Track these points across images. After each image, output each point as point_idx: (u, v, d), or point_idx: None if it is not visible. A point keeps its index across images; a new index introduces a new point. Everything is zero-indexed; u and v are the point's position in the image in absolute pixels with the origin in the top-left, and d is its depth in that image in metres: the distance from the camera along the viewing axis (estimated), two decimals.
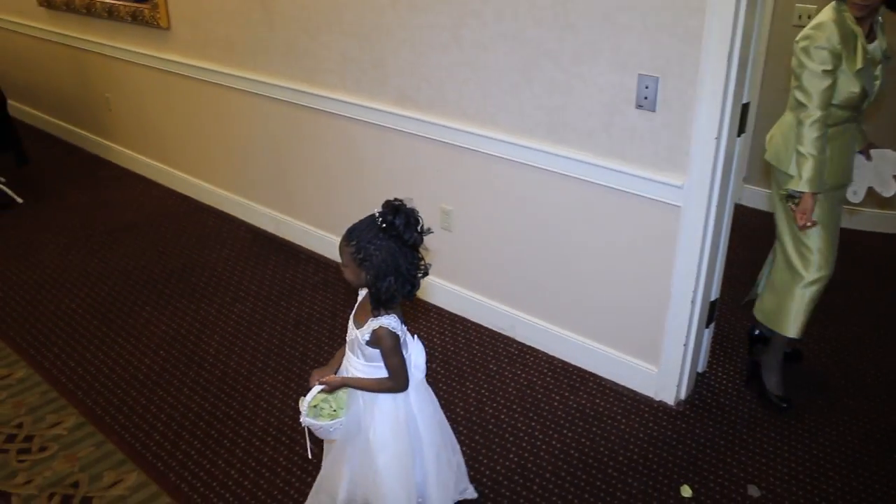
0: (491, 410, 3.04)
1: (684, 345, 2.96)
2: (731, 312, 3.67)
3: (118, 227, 4.73)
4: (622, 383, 3.18)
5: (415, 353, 2.22)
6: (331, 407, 2.23)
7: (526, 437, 2.89)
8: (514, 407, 3.05)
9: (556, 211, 3.11)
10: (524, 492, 2.64)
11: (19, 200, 5.17)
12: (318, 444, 2.50)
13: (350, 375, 2.18)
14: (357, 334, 2.13)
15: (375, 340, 2.10)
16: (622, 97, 2.78)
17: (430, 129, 3.41)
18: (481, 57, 3.12)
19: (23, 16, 6.16)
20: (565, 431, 2.92)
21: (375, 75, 3.57)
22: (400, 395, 2.19)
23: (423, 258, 2.10)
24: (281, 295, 3.89)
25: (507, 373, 3.26)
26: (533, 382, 3.20)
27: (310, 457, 2.49)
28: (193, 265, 4.22)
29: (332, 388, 2.20)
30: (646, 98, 2.72)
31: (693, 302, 2.89)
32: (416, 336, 2.25)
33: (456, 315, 3.67)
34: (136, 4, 4.79)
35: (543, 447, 2.84)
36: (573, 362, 3.31)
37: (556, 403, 3.07)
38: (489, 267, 3.47)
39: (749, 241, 4.23)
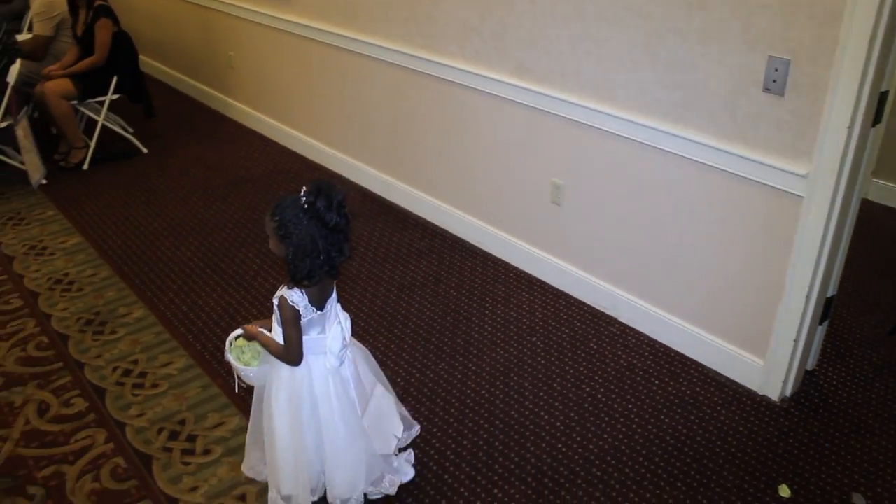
0: (588, 389, 3.01)
1: (795, 340, 2.85)
2: (846, 311, 3.52)
3: (234, 181, 4.89)
4: (725, 374, 3.09)
5: (331, 340, 2.24)
6: (249, 354, 2.32)
7: (621, 419, 2.86)
8: (612, 388, 3.02)
9: (670, 192, 3.04)
10: (616, 473, 2.61)
11: (144, 150, 5.40)
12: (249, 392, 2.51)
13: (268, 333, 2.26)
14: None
15: (278, 308, 2.17)
16: (749, 79, 2.68)
17: (547, 102, 3.38)
18: (604, 30, 3.06)
19: None
20: (662, 417, 2.87)
21: (495, 45, 3.55)
22: (298, 371, 2.23)
23: (347, 241, 2.15)
24: (386, 258, 3.94)
25: (607, 353, 3.23)
26: (633, 365, 3.16)
27: (236, 391, 2.57)
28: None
29: (248, 336, 2.29)
30: (774, 81, 2.61)
31: (808, 297, 2.78)
32: (343, 326, 2.27)
33: (559, 290, 3.64)
34: None
35: (639, 430, 2.80)
36: (675, 347, 3.24)
37: (654, 388, 3.02)
38: (596, 244, 3.43)
39: (873, 238, 4.04)
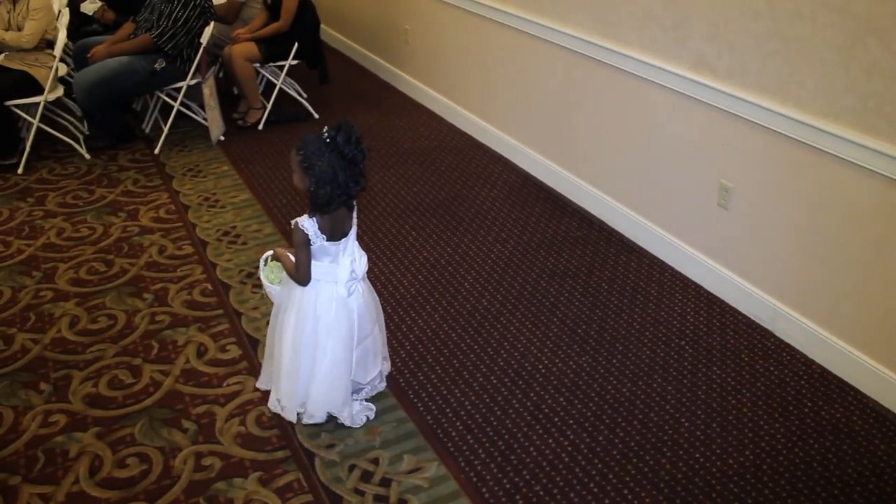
0: (734, 401, 2.89)
1: None
2: None
3: (397, 153, 4.99)
4: (888, 406, 2.89)
5: (341, 270, 2.54)
6: (275, 274, 2.68)
7: (766, 438, 2.72)
8: (760, 403, 2.89)
9: (854, 209, 2.85)
10: (753, 493, 2.50)
11: (316, 115, 5.60)
12: None
13: None
14: None
15: (293, 232, 2.48)
16: None
17: (724, 100, 3.24)
18: (796, 28, 2.89)
19: None
20: (811, 442, 2.72)
21: (675, 36, 3.43)
22: (308, 294, 2.55)
23: (362, 174, 2.44)
24: (541, 244, 3.92)
25: (758, 366, 3.09)
26: (785, 382, 3.00)
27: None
28: (461, 199, 4.36)
29: (275, 257, 2.66)
30: None
31: None
32: (356, 260, 2.57)
33: (714, 296, 3.51)
34: None
35: (784, 452, 2.67)
36: (834, 371, 3.05)
37: (806, 410, 2.86)
38: (760, 253, 3.27)
39: None
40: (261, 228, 4.13)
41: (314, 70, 5.64)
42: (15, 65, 4.98)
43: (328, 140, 2.37)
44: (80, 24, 6.25)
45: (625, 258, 3.79)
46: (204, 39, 5.06)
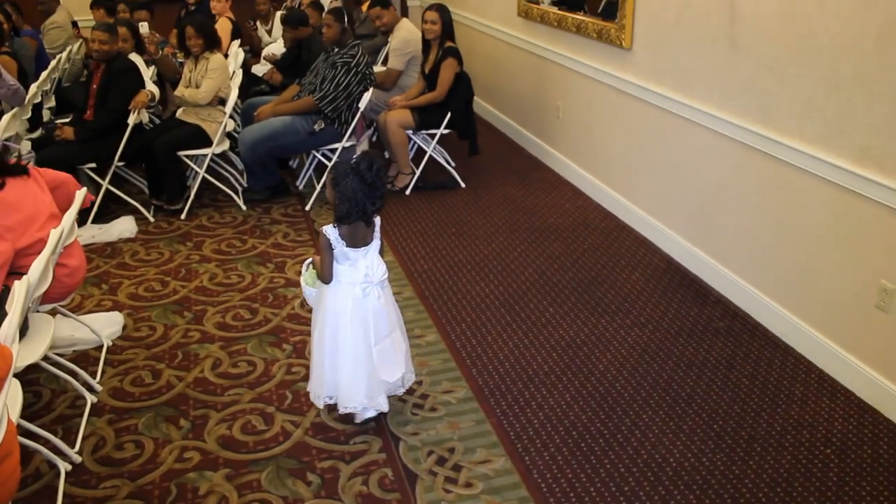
0: None
1: None
2: None
3: (541, 228, 4.99)
4: None
5: (357, 272, 2.94)
6: (312, 279, 3.09)
7: None
8: None
9: None
10: None
11: (462, 185, 5.70)
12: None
13: None
14: None
15: (319, 237, 2.97)
16: None
17: (889, 196, 3.06)
18: None
19: (503, 23, 6.78)
20: None
21: (839, 126, 3.29)
22: (330, 295, 2.97)
23: (380, 196, 2.91)
24: (681, 331, 3.79)
25: None
26: None
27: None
28: (602, 280, 4.30)
29: (315, 265, 3.06)
30: None
31: None
32: (373, 267, 2.95)
33: (867, 404, 3.27)
34: (603, 23, 4.99)
35: None
36: None
37: None
38: None
39: None
40: (400, 291, 4.21)
41: (465, 140, 5.77)
42: (190, 118, 5.36)
43: (354, 165, 2.86)
44: (249, 84, 6.68)
45: (769, 354, 3.61)
46: (362, 104, 5.29)
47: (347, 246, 2.91)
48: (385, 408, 3.09)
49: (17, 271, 3.11)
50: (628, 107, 4.86)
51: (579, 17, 5.35)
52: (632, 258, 4.55)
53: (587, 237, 4.85)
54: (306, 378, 3.45)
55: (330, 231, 2.91)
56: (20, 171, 3.25)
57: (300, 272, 3.28)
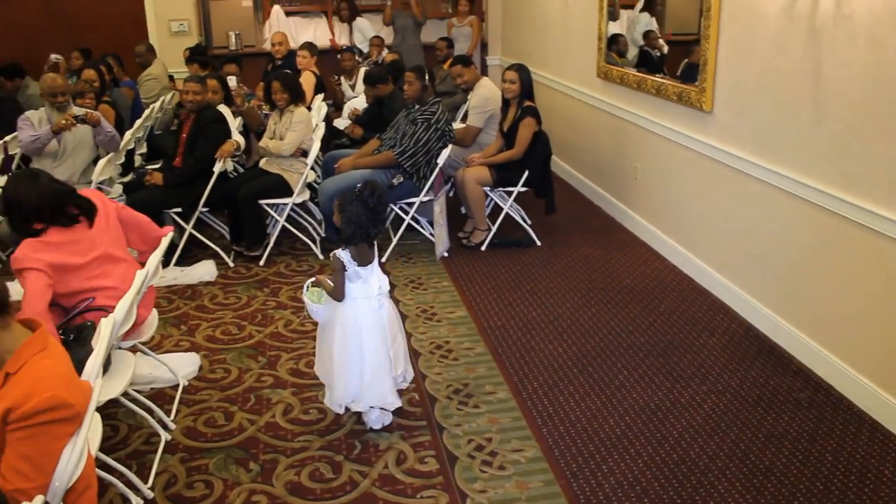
0: None
1: None
2: None
3: (616, 289, 4.93)
4: None
5: (371, 288, 3.30)
6: (317, 296, 3.37)
7: None
8: None
9: None
10: None
11: (538, 243, 5.69)
12: None
13: None
14: None
15: (332, 260, 3.29)
16: None
17: None
18: None
19: (582, 84, 6.83)
20: None
21: None
22: (349, 311, 3.29)
23: (382, 222, 3.33)
24: (759, 400, 3.67)
25: None
26: None
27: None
28: (678, 344, 4.21)
29: (317, 283, 3.38)
30: None
31: None
32: (381, 281, 3.33)
33: None
34: (683, 85, 4.98)
35: None
36: None
37: None
38: None
39: None
40: (472, 347, 4.19)
41: (541, 198, 5.77)
42: (273, 169, 5.51)
43: (358, 193, 3.24)
44: (331, 137, 6.84)
45: (854, 429, 3.46)
46: (441, 160, 5.36)
47: (359, 265, 3.26)
48: (398, 403, 3.45)
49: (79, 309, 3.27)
50: (708, 169, 4.81)
51: (659, 79, 5.36)
52: (709, 323, 4.45)
53: (663, 300, 4.77)
54: (376, 430, 3.46)
55: (342, 254, 3.25)
56: (86, 212, 3.40)
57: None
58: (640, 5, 5.96)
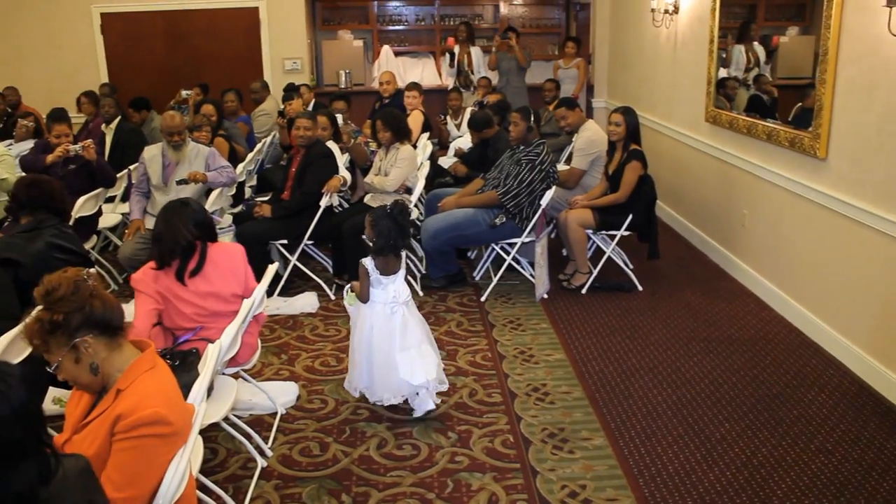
0: None
1: None
2: None
3: (719, 338, 4.78)
4: None
5: (387, 294, 3.78)
6: (352, 298, 3.86)
7: None
8: None
9: None
10: None
11: (640, 288, 5.59)
12: None
13: None
14: None
15: (359, 267, 3.82)
16: None
17: None
18: None
19: (689, 128, 6.72)
20: None
21: None
22: (367, 309, 3.81)
23: (408, 235, 3.84)
24: (874, 464, 3.47)
25: None
26: None
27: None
28: (785, 399, 4.03)
29: (353, 289, 3.87)
30: None
31: None
32: (398, 291, 3.80)
33: None
34: (796, 131, 4.83)
35: None
36: None
37: None
38: None
39: None
40: (570, 391, 4.13)
41: (645, 243, 5.68)
42: (377, 204, 5.57)
43: (389, 211, 3.77)
44: (435, 176, 6.93)
45: None
46: (544, 202, 5.34)
47: (381, 274, 3.76)
48: (431, 405, 3.83)
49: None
50: (821, 218, 4.63)
51: (770, 124, 5.22)
52: (818, 378, 4.26)
53: (770, 351, 4.59)
54: (470, 468, 3.44)
55: (368, 262, 3.78)
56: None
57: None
58: (743, 46, 5.84)
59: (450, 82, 10.02)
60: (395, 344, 3.75)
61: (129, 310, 3.76)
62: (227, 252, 3.68)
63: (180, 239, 3.46)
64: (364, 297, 3.80)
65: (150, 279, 3.44)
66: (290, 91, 8.02)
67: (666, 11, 6.98)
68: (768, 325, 4.99)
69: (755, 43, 5.73)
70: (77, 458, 1.92)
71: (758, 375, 4.29)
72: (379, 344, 3.76)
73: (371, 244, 3.79)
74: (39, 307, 2.20)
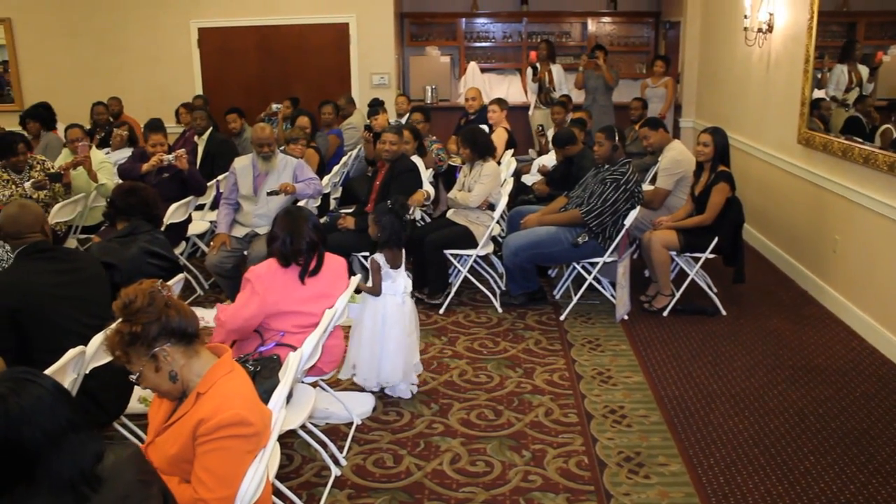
0: None
1: None
2: None
3: (806, 368, 4.62)
4: None
5: (398, 286, 4.12)
6: (355, 298, 3.93)
7: None
8: None
9: None
10: None
11: (723, 312, 5.45)
12: None
13: None
14: None
15: (370, 263, 4.15)
16: None
17: None
18: None
19: (780, 150, 6.53)
20: None
21: None
22: (378, 305, 4.10)
23: (406, 228, 4.25)
24: None
25: None
26: None
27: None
28: (875, 433, 3.86)
29: (358, 289, 3.98)
30: None
31: None
32: (404, 285, 4.16)
33: None
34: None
35: None
36: None
37: None
38: None
39: None
40: (647, 415, 4.06)
41: (730, 267, 5.54)
42: (459, 220, 5.64)
43: (390, 207, 4.16)
44: (518, 193, 6.91)
45: None
46: (628, 221, 5.28)
47: (391, 268, 4.09)
48: (415, 382, 4.30)
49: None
50: None
51: (868, 147, 5.04)
52: None
53: (860, 383, 4.42)
54: (543, 488, 3.41)
55: (379, 257, 4.10)
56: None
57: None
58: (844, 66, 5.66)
59: (533, 99, 10.00)
60: (406, 330, 4.10)
61: (208, 315, 3.90)
62: (333, 258, 3.83)
63: (306, 238, 3.60)
64: (377, 291, 4.09)
65: (269, 275, 3.57)
66: (375, 106, 8.13)
67: (759, 30, 6.83)
68: (858, 355, 4.80)
69: (858, 63, 5.55)
70: (125, 445, 2.01)
71: (846, 408, 4.13)
72: (393, 333, 4.07)
73: (377, 239, 4.17)
74: (119, 319, 2.29)
